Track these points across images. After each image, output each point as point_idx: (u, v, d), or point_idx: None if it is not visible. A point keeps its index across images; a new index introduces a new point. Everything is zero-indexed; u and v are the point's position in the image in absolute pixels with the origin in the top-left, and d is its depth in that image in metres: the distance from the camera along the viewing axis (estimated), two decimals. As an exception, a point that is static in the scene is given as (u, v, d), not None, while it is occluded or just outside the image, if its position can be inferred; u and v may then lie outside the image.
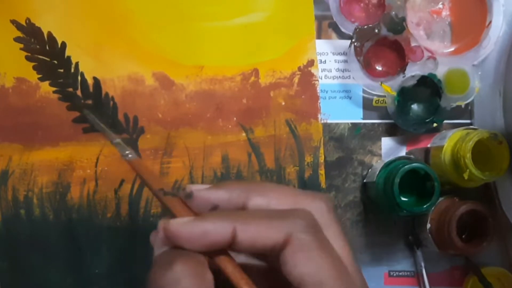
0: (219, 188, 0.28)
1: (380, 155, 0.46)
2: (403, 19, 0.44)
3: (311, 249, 0.26)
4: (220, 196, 0.28)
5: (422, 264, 0.45)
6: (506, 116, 0.42)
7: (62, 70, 0.44)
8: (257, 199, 0.28)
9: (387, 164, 0.43)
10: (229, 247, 0.27)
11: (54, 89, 0.44)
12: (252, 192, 0.28)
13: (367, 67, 0.44)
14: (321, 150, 0.45)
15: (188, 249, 0.26)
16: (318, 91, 0.45)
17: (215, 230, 0.26)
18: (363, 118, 0.46)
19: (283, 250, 0.26)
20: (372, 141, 0.46)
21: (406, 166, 0.40)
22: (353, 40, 0.44)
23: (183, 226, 0.26)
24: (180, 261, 0.26)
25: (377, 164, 0.45)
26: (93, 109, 0.43)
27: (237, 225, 0.26)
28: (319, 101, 0.45)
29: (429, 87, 0.44)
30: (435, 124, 0.44)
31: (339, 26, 0.45)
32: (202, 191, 0.28)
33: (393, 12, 0.44)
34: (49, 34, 0.44)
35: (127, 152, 0.32)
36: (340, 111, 0.46)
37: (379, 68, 0.45)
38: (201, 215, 0.27)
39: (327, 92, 0.46)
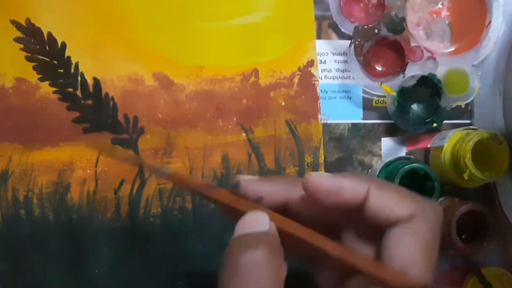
0: (265, 181, 0.29)
1: (380, 155, 0.46)
2: (403, 19, 0.44)
3: (425, 239, 0.27)
4: (265, 188, 0.29)
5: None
6: (506, 116, 0.42)
7: (62, 70, 0.44)
8: (299, 193, 0.29)
9: (387, 164, 0.43)
10: (358, 210, 0.27)
11: (54, 89, 0.44)
12: (294, 187, 0.29)
13: (367, 67, 0.44)
14: (321, 151, 0.45)
15: (322, 203, 0.27)
16: (318, 91, 0.45)
17: (351, 187, 0.27)
18: (363, 118, 0.46)
19: (397, 225, 0.27)
20: (372, 141, 0.46)
21: (406, 166, 0.40)
22: (353, 40, 0.44)
23: (323, 179, 0.27)
24: (264, 247, 0.26)
25: (377, 165, 0.45)
26: (93, 109, 0.43)
27: (372, 187, 0.27)
28: (319, 101, 0.45)
29: (429, 87, 0.44)
30: (435, 124, 0.44)
31: (339, 26, 0.45)
32: (248, 182, 0.29)
33: (393, 12, 0.44)
34: (49, 34, 0.44)
35: (162, 170, 0.31)
36: (340, 111, 0.46)
37: (379, 68, 0.45)
38: (339, 174, 0.29)
39: (327, 92, 0.46)
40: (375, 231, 0.28)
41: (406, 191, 0.28)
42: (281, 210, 0.29)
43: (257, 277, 0.25)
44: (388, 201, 0.27)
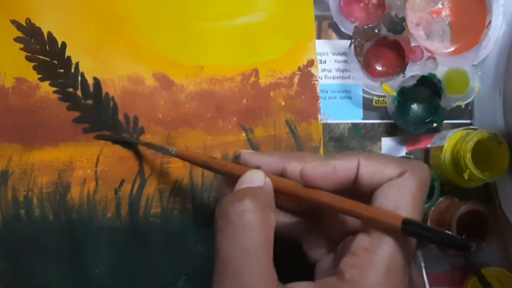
0: (263, 153, 0.34)
1: (380, 155, 0.46)
2: (403, 19, 0.44)
3: (411, 191, 0.29)
4: (262, 159, 0.33)
5: (422, 264, 0.45)
6: (506, 116, 0.42)
7: (62, 70, 0.44)
8: (294, 163, 0.32)
9: (387, 164, 0.43)
10: (353, 183, 0.30)
11: (54, 89, 0.44)
12: (289, 158, 0.33)
13: (367, 67, 0.44)
14: (321, 150, 0.45)
15: (321, 187, 0.30)
16: (318, 91, 0.45)
17: (342, 165, 0.30)
18: (363, 118, 0.46)
19: (386, 182, 0.29)
20: (372, 141, 0.46)
21: (406, 166, 0.40)
22: (353, 40, 0.44)
23: (316, 167, 0.31)
24: (251, 197, 0.29)
25: (377, 164, 0.45)
26: (93, 109, 0.43)
27: (361, 159, 0.30)
28: (319, 101, 0.45)
29: (429, 87, 0.44)
30: (435, 124, 0.44)
31: (339, 26, 0.45)
32: (247, 154, 0.34)
33: (393, 12, 0.44)
34: (49, 34, 0.44)
35: (170, 149, 0.38)
36: (340, 111, 0.46)
37: (379, 68, 0.45)
38: (329, 156, 0.32)
39: (327, 92, 0.46)
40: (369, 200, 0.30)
41: (393, 156, 0.32)
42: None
43: (246, 225, 0.28)
44: (378, 166, 0.30)
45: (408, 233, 0.27)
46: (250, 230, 0.28)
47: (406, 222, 0.27)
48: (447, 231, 0.30)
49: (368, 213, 0.28)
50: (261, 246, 0.28)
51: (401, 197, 0.28)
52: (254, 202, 0.29)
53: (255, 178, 0.31)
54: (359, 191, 0.31)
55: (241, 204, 0.29)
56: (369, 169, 0.30)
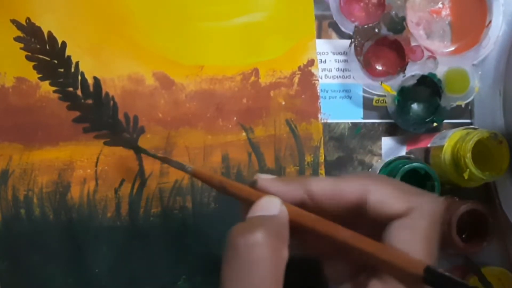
0: (280, 180, 0.31)
1: (380, 155, 0.46)
2: (403, 19, 0.44)
3: (423, 233, 0.27)
4: (280, 186, 0.30)
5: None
6: (506, 116, 0.42)
7: (62, 70, 0.44)
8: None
9: (387, 164, 0.43)
10: (359, 208, 0.28)
11: (54, 88, 0.44)
12: (309, 184, 0.30)
13: (367, 67, 0.44)
14: (321, 150, 0.45)
15: (328, 209, 0.29)
16: (318, 90, 0.45)
17: (349, 189, 0.28)
18: (363, 118, 0.46)
19: (396, 220, 0.27)
20: (372, 141, 0.46)
21: (406, 166, 0.40)
22: (353, 39, 0.44)
23: (324, 185, 0.29)
24: (263, 229, 0.27)
25: (377, 164, 0.45)
26: (94, 109, 0.43)
27: (371, 185, 0.28)
28: (319, 101, 0.45)
29: (429, 87, 0.44)
30: (435, 124, 0.44)
31: (339, 25, 0.45)
32: (265, 180, 0.31)
33: (393, 12, 0.44)
34: (49, 33, 0.44)
35: (187, 166, 0.35)
36: (340, 111, 0.46)
37: (379, 67, 0.45)
38: (339, 177, 0.30)
39: (327, 91, 0.46)
40: (378, 228, 0.29)
41: (404, 185, 0.29)
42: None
43: (255, 261, 0.26)
44: (386, 197, 0.28)
45: (430, 283, 0.25)
46: (259, 267, 0.26)
47: (428, 270, 0.25)
48: (472, 285, 0.29)
49: (387, 256, 0.27)
50: (269, 285, 0.26)
51: (414, 241, 0.27)
52: (266, 234, 0.26)
53: (270, 206, 0.29)
54: (369, 217, 0.29)
55: (252, 236, 0.26)
56: (378, 198, 0.28)
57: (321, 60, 0.46)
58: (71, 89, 0.43)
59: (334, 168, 0.46)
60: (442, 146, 0.42)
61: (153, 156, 0.40)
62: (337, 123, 0.46)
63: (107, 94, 0.43)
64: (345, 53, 0.46)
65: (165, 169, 0.43)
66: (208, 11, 0.45)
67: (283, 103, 0.45)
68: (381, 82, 0.44)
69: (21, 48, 0.43)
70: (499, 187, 0.44)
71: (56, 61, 0.43)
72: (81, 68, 0.43)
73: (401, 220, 0.28)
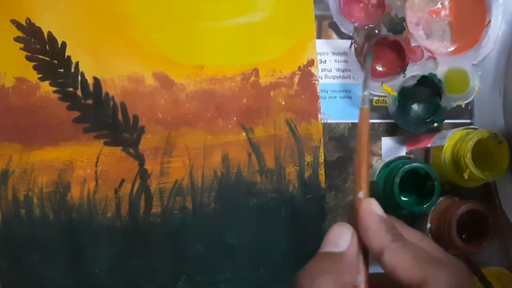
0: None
1: (380, 155, 0.46)
2: (403, 19, 0.44)
3: None
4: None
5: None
6: (506, 116, 0.42)
7: (62, 70, 0.44)
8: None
9: (387, 164, 0.43)
10: (378, 258, 0.28)
11: (54, 88, 0.44)
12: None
13: (367, 67, 0.44)
14: (321, 150, 0.45)
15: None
16: (318, 91, 0.45)
17: (367, 241, 0.28)
18: (363, 118, 0.46)
19: None
20: (372, 141, 0.46)
21: (406, 166, 0.40)
22: (353, 40, 0.44)
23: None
24: (326, 275, 0.27)
25: (377, 164, 0.45)
26: (94, 109, 0.43)
27: (386, 248, 0.27)
28: (319, 101, 0.45)
29: (429, 87, 0.44)
30: (435, 124, 0.44)
31: (339, 26, 0.45)
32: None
33: (393, 12, 0.44)
34: (49, 33, 0.44)
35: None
36: (340, 111, 0.46)
37: (379, 68, 0.45)
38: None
39: (327, 92, 0.46)
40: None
41: (422, 251, 0.28)
42: None
43: None
44: (401, 262, 0.27)
45: None
46: None
47: None
48: None
49: None
50: None
51: None
52: (329, 281, 0.26)
53: (339, 241, 0.29)
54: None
55: (315, 281, 0.26)
56: (393, 261, 0.27)
57: (321, 60, 0.46)
58: (71, 89, 0.43)
59: (334, 168, 0.46)
60: (442, 146, 0.42)
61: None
62: (337, 123, 0.46)
63: (107, 94, 0.44)
64: (345, 54, 0.46)
65: (165, 169, 0.43)
66: (208, 11, 0.45)
67: (283, 103, 0.45)
68: (382, 83, 0.44)
69: (21, 48, 0.43)
70: (499, 187, 0.44)
71: (56, 61, 0.43)
72: (81, 68, 0.43)
73: None
